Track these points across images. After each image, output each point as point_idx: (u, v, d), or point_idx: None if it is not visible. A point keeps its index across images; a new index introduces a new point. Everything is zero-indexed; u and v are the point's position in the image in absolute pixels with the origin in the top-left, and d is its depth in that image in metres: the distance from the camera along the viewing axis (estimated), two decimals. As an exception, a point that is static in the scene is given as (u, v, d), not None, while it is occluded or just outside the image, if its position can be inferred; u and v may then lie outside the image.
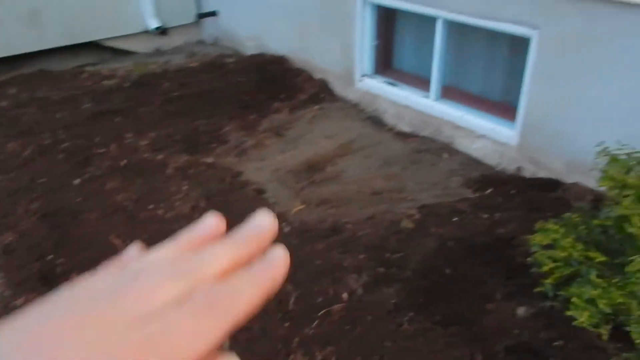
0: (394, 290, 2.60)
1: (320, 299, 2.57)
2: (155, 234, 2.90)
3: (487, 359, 2.24)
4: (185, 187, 3.30)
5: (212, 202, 3.17)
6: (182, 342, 0.27)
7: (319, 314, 2.51)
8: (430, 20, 3.75)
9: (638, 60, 2.77)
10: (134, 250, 0.36)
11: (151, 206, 3.14)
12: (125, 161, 3.57)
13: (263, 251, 0.34)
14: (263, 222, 0.35)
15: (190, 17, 5.90)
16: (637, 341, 1.82)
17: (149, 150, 3.70)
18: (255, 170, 3.64)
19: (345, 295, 2.58)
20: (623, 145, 2.02)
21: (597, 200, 2.91)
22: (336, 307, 2.53)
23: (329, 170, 3.67)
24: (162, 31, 5.69)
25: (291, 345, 2.36)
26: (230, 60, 5.30)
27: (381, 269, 2.73)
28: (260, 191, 3.39)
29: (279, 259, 0.33)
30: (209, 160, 3.69)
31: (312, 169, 3.67)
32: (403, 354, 2.28)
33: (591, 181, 3.05)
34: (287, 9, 4.84)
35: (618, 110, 2.93)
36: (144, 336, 0.27)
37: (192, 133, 3.99)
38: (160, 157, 3.63)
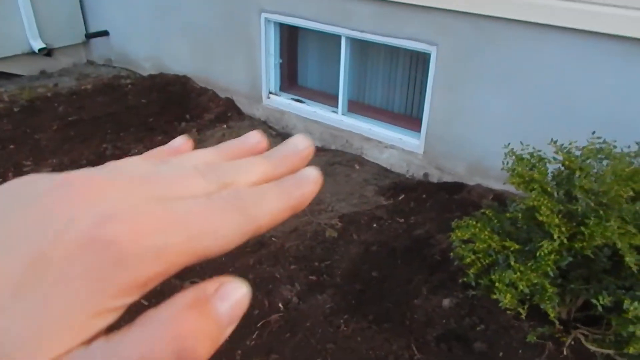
0: (328, 296, 2.71)
1: (257, 311, 2.62)
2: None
3: (420, 349, 2.42)
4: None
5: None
6: (204, 225, 0.26)
7: (258, 325, 2.55)
8: (334, 38, 3.96)
9: (521, 69, 3.16)
10: (180, 140, 0.37)
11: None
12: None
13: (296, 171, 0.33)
14: (300, 144, 0.35)
15: (77, 38, 5.66)
16: (552, 315, 2.08)
17: (55, 177, 3.51)
18: (172, 190, 3.59)
19: (281, 305, 2.65)
20: (526, 145, 2.31)
21: (497, 198, 3.24)
22: (274, 317, 2.59)
23: (245, 186, 3.71)
24: (46, 52, 5.40)
25: (235, 358, 2.38)
26: (127, 81, 5.17)
27: (312, 277, 2.83)
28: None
29: (310, 177, 0.32)
30: (121, 183, 3.58)
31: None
32: (345, 353, 2.39)
33: (490, 181, 3.39)
34: (187, 28, 4.83)
35: (507, 116, 3.29)
36: (166, 208, 0.26)
37: (99, 157, 3.85)
38: (68, 183, 3.46)
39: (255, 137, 0.37)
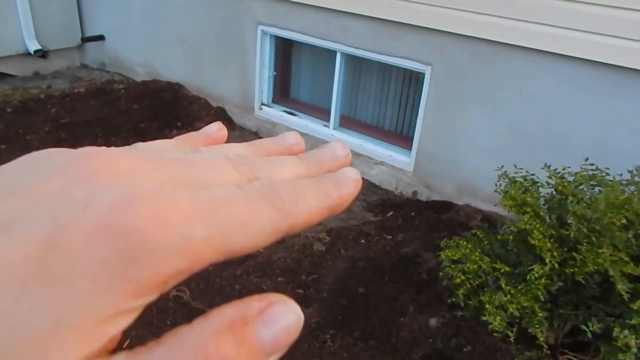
0: (314, 310, 2.68)
1: (242, 324, 2.58)
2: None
3: (406, 369, 2.40)
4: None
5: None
6: (235, 217, 0.23)
7: (243, 338, 2.52)
8: (329, 53, 3.98)
9: (514, 93, 3.18)
10: (215, 127, 0.35)
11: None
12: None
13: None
14: (339, 151, 0.32)
15: (73, 41, 5.63)
16: (541, 339, 2.07)
17: (43, 179, 3.47)
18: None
19: (267, 319, 2.62)
20: (519, 169, 2.32)
21: (486, 219, 3.25)
22: (259, 330, 2.56)
23: (234, 197, 3.69)
24: (41, 54, 5.37)
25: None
26: (120, 86, 5.14)
27: (299, 290, 2.81)
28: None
29: (351, 178, 0.29)
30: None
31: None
32: (330, 371, 2.37)
33: (479, 202, 3.41)
34: (182, 36, 4.83)
35: (498, 139, 3.32)
36: (194, 195, 0.23)
37: (88, 161, 3.81)
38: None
39: (293, 138, 0.34)
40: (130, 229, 0.21)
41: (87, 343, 0.20)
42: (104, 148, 0.25)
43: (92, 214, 0.21)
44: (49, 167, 0.24)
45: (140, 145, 0.29)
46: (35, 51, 5.26)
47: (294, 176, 0.29)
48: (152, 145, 0.29)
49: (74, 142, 3.99)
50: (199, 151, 0.29)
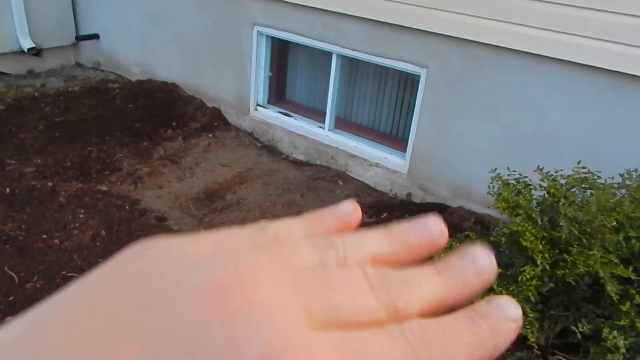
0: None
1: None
2: (53, 264, 2.74)
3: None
4: (82, 216, 3.14)
5: (114, 231, 3.05)
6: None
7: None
8: (325, 55, 3.99)
9: (509, 97, 3.21)
10: (348, 207, 0.31)
11: (45, 236, 2.95)
12: (9, 189, 3.31)
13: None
14: (485, 264, 0.27)
15: (67, 39, 5.62)
16: (531, 340, 2.09)
17: (37, 178, 3.47)
18: (154, 198, 3.56)
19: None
20: (512, 171, 2.34)
21: (479, 221, 3.27)
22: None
23: (229, 198, 3.70)
24: (35, 52, 5.35)
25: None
26: (115, 85, 5.14)
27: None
28: (161, 219, 3.33)
29: (510, 320, 0.25)
30: (104, 188, 3.55)
31: (213, 196, 3.68)
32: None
33: (472, 204, 3.43)
34: (178, 36, 4.83)
35: (492, 143, 3.34)
36: (344, 343, 0.21)
37: (83, 160, 3.81)
38: (50, 184, 3.41)
39: (436, 226, 0.29)
40: None
41: None
42: (247, 262, 0.23)
43: None
44: (177, 286, 0.21)
45: (269, 232, 0.26)
46: (29, 49, 5.25)
47: (433, 298, 0.25)
48: (285, 244, 0.26)
49: (68, 141, 3.99)
50: (333, 247, 0.26)
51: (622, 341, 1.75)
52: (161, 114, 4.62)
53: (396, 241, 0.28)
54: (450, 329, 0.24)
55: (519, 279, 2.14)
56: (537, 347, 2.14)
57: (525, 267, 2.15)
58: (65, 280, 2.62)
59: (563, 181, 2.21)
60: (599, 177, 2.18)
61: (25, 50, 5.25)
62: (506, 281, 2.27)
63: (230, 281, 0.21)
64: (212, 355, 0.19)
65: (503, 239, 2.30)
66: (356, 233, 0.28)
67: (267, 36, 4.28)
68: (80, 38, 5.64)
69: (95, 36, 5.59)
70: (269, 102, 4.55)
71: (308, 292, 0.22)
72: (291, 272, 0.23)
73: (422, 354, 0.22)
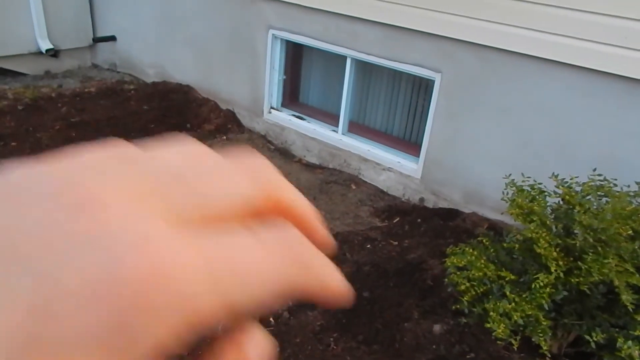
0: (318, 313, 2.69)
1: (246, 325, 2.60)
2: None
3: (409, 375, 2.41)
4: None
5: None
6: (250, 276, 0.20)
7: (247, 340, 2.53)
8: (339, 59, 4.00)
9: (523, 102, 3.19)
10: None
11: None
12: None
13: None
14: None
15: (85, 41, 5.69)
16: (544, 348, 2.07)
17: (53, 177, 3.50)
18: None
19: (272, 319, 2.64)
20: (527, 177, 2.33)
21: (492, 227, 3.25)
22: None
23: (242, 199, 3.71)
24: (53, 53, 5.42)
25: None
26: (130, 87, 5.18)
27: (304, 294, 2.82)
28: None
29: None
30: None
31: (225, 198, 3.70)
32: (334, 374, 2.38)
33: (485, 210, 3.41)
34: (193, 39, 4.86)
35: (507, 148, 3.32)
36: (200, 244, 0.19)
37: (98, 160, 3.84)
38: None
39: None
40: (129, 284, 0.17)
41: None
42: (92, 154, 0.21)
43: (79, 270, 0.17)
44: (31, 193, 0.19)
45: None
46: (47, 50, 5.32)
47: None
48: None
49: (84, 141, 4.02)
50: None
51: (637, 351, 1.73)
52: (175, 115, 4.65)
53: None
54: (315, 249, 0.24)
55: (533, 286, 2.12)
56: (550, 356, 2.12)
57: (538, 275, 2.13)
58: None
59: (578, 188, 2.19)
60: (615, 185, 2.16)
61: (44, 52, 5.32)
62: (519, 288, 2.25)
63: (77, 179, 0.19)
64: (55, 278, 0.17)
65: (517, 245, 2.28)
66: None
67: (281, 39, 4.30)
68: (97, 40, 5.70)
69: (112, 38, 5.65)
70: (282, 105, 4.56)
71: (166, 184, 0.21)
72: (155, 173, 0.21)
73: (286, 260, 0.22)
